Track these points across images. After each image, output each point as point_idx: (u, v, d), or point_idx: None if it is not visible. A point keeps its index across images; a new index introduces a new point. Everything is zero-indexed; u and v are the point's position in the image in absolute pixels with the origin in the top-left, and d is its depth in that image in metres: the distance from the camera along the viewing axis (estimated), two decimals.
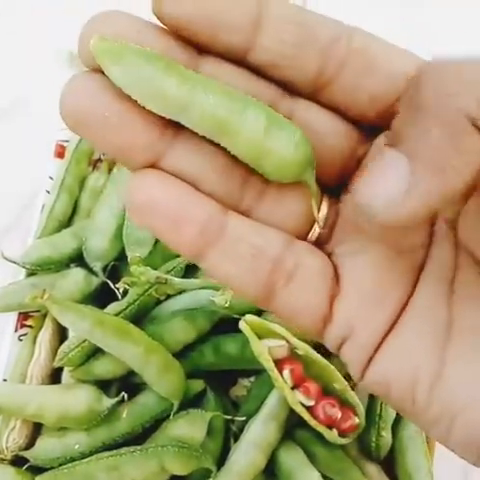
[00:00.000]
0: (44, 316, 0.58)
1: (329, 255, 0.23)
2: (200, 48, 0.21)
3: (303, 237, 0.23)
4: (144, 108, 0.20)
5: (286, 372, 0.49)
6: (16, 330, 0.57)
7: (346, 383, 0.51)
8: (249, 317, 0.50)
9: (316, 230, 0.23)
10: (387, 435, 0.54)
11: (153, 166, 0.21)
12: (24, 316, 0.58)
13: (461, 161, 0.18)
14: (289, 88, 0.22)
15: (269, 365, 0.49)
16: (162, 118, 0.20)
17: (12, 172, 0.66)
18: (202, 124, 0.20)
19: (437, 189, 0.18)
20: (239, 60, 0.21)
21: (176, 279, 0.51)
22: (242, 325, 0.49)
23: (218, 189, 0.22)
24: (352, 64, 0.21)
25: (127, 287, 0.51)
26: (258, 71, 0.21)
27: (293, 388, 0.50)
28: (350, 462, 0.53)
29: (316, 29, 0.21)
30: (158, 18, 0.20)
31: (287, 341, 0.49)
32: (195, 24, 0.20)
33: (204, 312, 0.52)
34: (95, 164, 0.63)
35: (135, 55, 0.20)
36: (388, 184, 0.19)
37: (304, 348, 0.49)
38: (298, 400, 0.50)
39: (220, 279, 0.22)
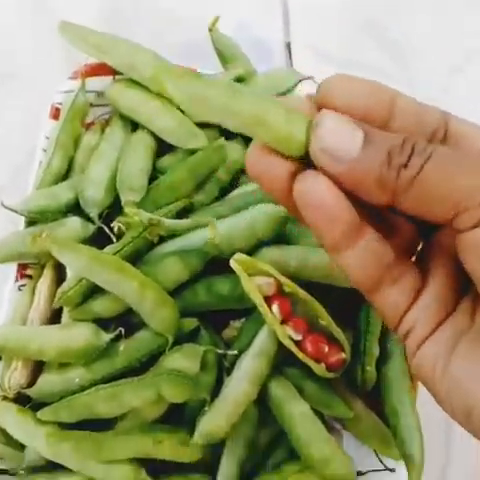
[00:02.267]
0: (42, 267, 0.60)
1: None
2: None
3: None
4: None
5: (275, 306, 0.52)
6: (16, 280, 0.60)
7: (331, 319, 0.53)
8: (239, 256, 0.52)
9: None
10: (372, 370, 0.56)
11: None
12: (23, 267, 0.60)
13: None
14: None
15: (259, 301, 0.51)
16: None
17: (10, 133, 0.70)
18: None
19: None
20: None
21: (168, 220, 0.54)
22: (233, 263, 0.52)
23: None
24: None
25: (121, 227, 0.53)
26: None
27: (282, 323, 0.52)
28: (337, 396, 0.56)
29: (425, 117, 0.29)
30: None
31: (275, 279, 0.52)
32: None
33: (196, 252, 0.55)
34: (88, 126, 0.66)
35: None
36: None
37: (291, 285, 0.52)
38: (287, 334, 0.52)
39: (340, 264, 0.30)
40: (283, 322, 0.52)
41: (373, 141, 0.26)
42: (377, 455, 0.58)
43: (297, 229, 0.58)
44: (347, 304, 0.59)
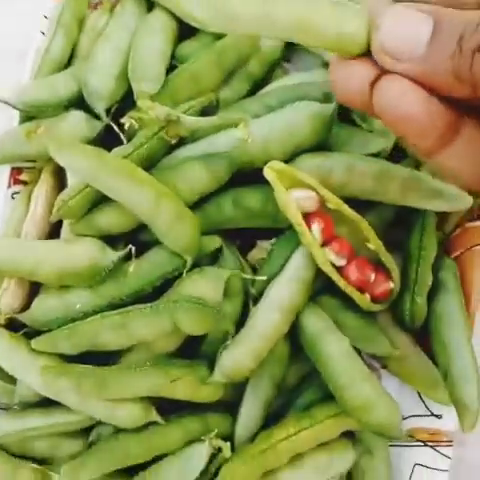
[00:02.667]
0: (40, 172, 0.51)
1: None
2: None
3: None
4: None
5: (315, 226, 0.44)
6: (9, 186, 0.51)
7: (381, 243, 0.45)
8: (275, 163, 0.44)
9: None
10: (422, 302, 0.49)
11: None
12: (17, 171, 0.52)
13: None
14: None
15: (296, 218, 0.43)
16: None
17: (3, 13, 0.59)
18: None
19: None
20: None
21: (189, 117, 0.45)
22: (267, 172, 0.43)
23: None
24: None
25: (133, 124, 0.44)
26: None
27: (322, 246, 0.44)
28: (381, 331, 0.48)
29: None
30: None
31: (317, 193, 0.44)
32: None
33: (222, 158, 0.46)
34: (95, 6, 0.55)
35: None
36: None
37: (336, 201, 0.44)
38: (327, 259, 0.45)
39: (445, 170, 0.28)
40: (324, 244, 0.44)
41: (442, 30, 0.25)
42: (421, 399, 0.52)
43: (345, 132, 0.49)
44: (396, 226, 0.51)
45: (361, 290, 0.46)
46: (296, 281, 0.46)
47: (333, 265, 0.45)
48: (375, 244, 0.45)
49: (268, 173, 0.44)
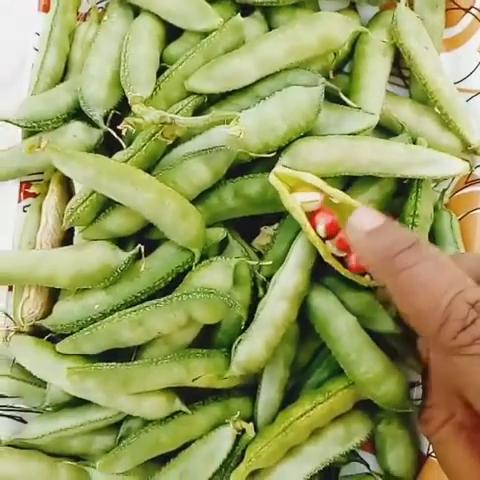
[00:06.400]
0: (48, 183, 0.53)
1: None
2: None
3: None
4: None
5: (321, 227, 0.45)
6: (19, 201, 0.53)
7: None
8: (279, 169, 0.46)
9: None
10: None
11: None
12: (26, 184, 0.54)
13: None
14: None
15: (302, 220, 0.45)
16: None
17: None
18: None
19: None
20: None
21: (182, 117, 0.46)
22: (272, 178, 0.45)
23: None
24: None
25: (130, 129, 0.46)
26: None
27: (326, 238, 0.46)
28: (381, 309, 0.49)
29: None
30: None
31: (321, 191, 0.45)
32: None
33: (219, 152, 0.47)
34: (84, 18, 0.57)
35: None
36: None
37: (340, 196, 0.45)
38: (330, 252, 0.46)
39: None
40: (327, 238, 0.46)
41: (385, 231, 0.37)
42: None
43: (334, 112, 0.50)
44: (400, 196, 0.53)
45: (362, 274, 0.47)
46: (300, 269, 0.48)
47: (335, 256, 0.47)
48: None
49: (273, 179, 0.45)
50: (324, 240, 0.46)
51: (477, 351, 0.31)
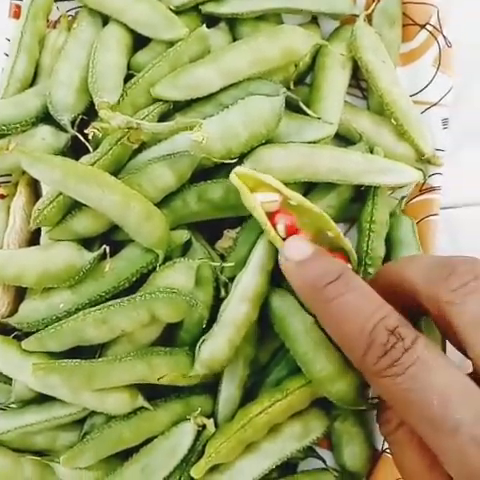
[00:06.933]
0: (16, 185, 0.55)
1: None
2: None
3: None
4: None
5: (281, 226, 0.47)
6: None
7: (339, 230, 0.48)
8: (240, 169, 0.47)
9: None
10: (374, 272, 0.52)
11: None
12: None
13: None
14: None
15: (262, 220, 0.47)
16: None
17: None
18: None
19: None
20: None
21: (147, 123, 0.48)
22: (233, 178, 0.47)
23: None
24: None
25: (97, 134, 0.47)
26: None
27: (285, 239, 0.47)
28: None
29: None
30: None
31: (280, 193, 0.47)
32: None
33: (182, 157, 0.49)
34: (54, 26, 0.58)
35: None
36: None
37: (298, 199, 0.47)
38: None
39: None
40: (287, 237, 0.47)
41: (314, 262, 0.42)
42: None
43: (294, 121, 0.52)
44: (356, 201, 0.55)
45: None
46: (260, 271, 0.49)
47: None
48: (334, 233, 0.48)
49: (234, 178, 0.47)
50: (284, 240, 0.47)
51: (396, 372, 0.34)
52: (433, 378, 0.34)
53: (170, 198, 0.51)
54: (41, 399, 0.51)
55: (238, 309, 0.49)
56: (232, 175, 0.47)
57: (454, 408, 0.32)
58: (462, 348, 0.36)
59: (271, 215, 0.47)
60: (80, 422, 0.52)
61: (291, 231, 0.47)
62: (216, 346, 0.49)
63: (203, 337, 0.50)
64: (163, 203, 0.51)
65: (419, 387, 0.34)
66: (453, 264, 0.36)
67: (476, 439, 0.31)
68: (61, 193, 0.48)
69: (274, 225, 0.47)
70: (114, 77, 0.51)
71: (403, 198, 0.57)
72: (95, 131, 0.47)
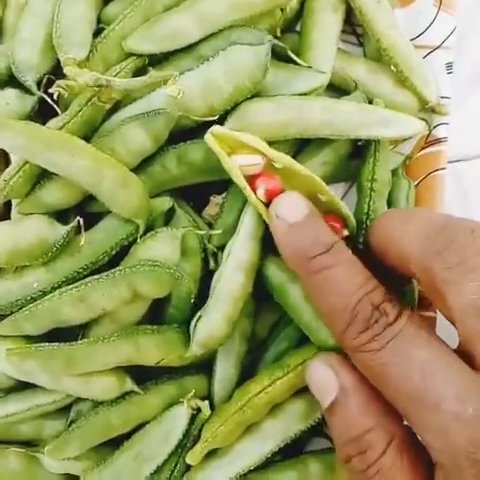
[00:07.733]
0: None
1: None
2: None
3: None
4: None
5: (260, 191, 0.43)
6: None
7: (333, 193, 0.44)
8: (217, 129, 0.43)
9: None
10: None
11: None
12: None
13: None
14: None
15: (241, 183, 0.43)
16: None
17: None
18: None
19: None
20: None
21: (118, 79, 0.44)
22: (208, 139, 0.43)
23: None
24: None
25: (62, 93, 0.43)
26: None
27: (267, 205, 0.43)
28: None
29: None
30: None
31: (264, 155, 0.43)
32: None
33: (157, 115, 0.44)
34: None
35: None
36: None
37: (283, 160, 0.43)
38: None
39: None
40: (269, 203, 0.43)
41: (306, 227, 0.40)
42: None
43: (283, 71, 0.48)
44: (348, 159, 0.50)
45: None
46: (251, 240, 0.45)
47: None
48: (327, 197, 0.44)
49: (210, 140, 0.43)
50: (267, 205, 0.43)
51: (375, 347, 0.34)
52: (414, 352, 0.33)
53: (147, 163, 0.46)
54: (23, 387, 0.48)
55: (233, 280, 0.45)
56: (207, 136, 0.43)
57: (436, 383, 0.31)
58: (452, 321, 0.34)
59: (253, 178, 0.43)
60: (67, 410, 0.49)
61: (273, 196, 0.43)
62: (213, 323, 0.45)
63: (198, 313, 0.46)
64: (140, 168, 0.46)
65: (399, 361, 0.33)
66: (452, 233, 0.33)
67: (458, 416, 0.30)
68: (27, 162, 0.44)
69: (254, 190, 0.43)
70: (81, 31, 0.46)
71: (408, 156, 0.52)
72: (60, 90, 0.43)
